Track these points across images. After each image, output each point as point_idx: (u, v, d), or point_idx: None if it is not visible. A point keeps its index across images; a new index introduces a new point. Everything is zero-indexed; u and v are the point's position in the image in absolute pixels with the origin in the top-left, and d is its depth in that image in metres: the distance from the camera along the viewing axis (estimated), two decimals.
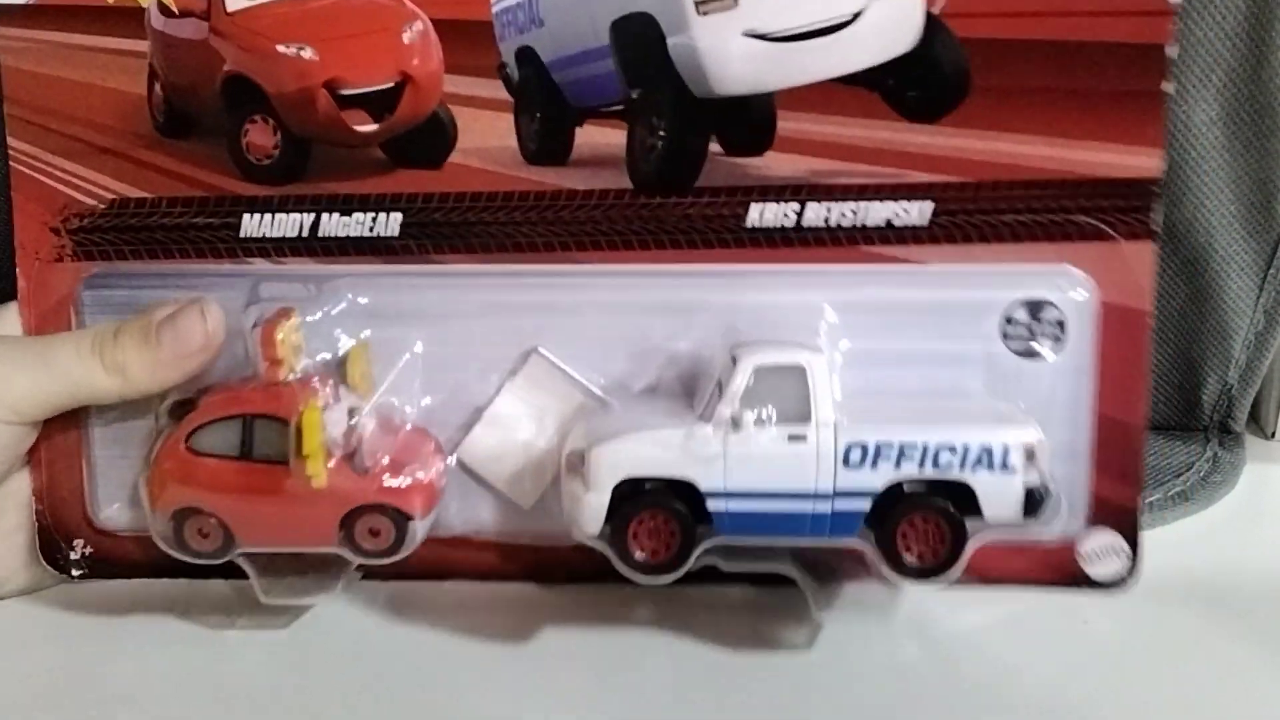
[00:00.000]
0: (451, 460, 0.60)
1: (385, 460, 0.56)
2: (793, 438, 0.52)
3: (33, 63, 0.60)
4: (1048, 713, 0.52)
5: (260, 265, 0.60)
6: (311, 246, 0.60)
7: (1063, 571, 0.59)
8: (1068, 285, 0.57)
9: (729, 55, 0.56)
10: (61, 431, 0.61)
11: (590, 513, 0.53)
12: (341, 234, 0.59)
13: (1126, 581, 0.59)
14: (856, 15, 0.56)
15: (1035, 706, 0.52)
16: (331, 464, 0.55)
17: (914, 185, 0.57)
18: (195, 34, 0.60)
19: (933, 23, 0.56)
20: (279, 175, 0.59)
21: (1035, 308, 0.57)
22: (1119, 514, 0.59)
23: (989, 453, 0.52)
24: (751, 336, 0.57)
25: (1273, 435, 0.75)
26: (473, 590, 0.61)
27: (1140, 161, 0.56)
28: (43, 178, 0.60)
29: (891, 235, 0.58)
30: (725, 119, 0.57)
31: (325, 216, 0.59)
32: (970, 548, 0.53)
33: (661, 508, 0.53)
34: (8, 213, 0.61)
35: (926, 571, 0.53)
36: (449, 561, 0.61)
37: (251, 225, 0.60)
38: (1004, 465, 0.52)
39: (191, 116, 0.60)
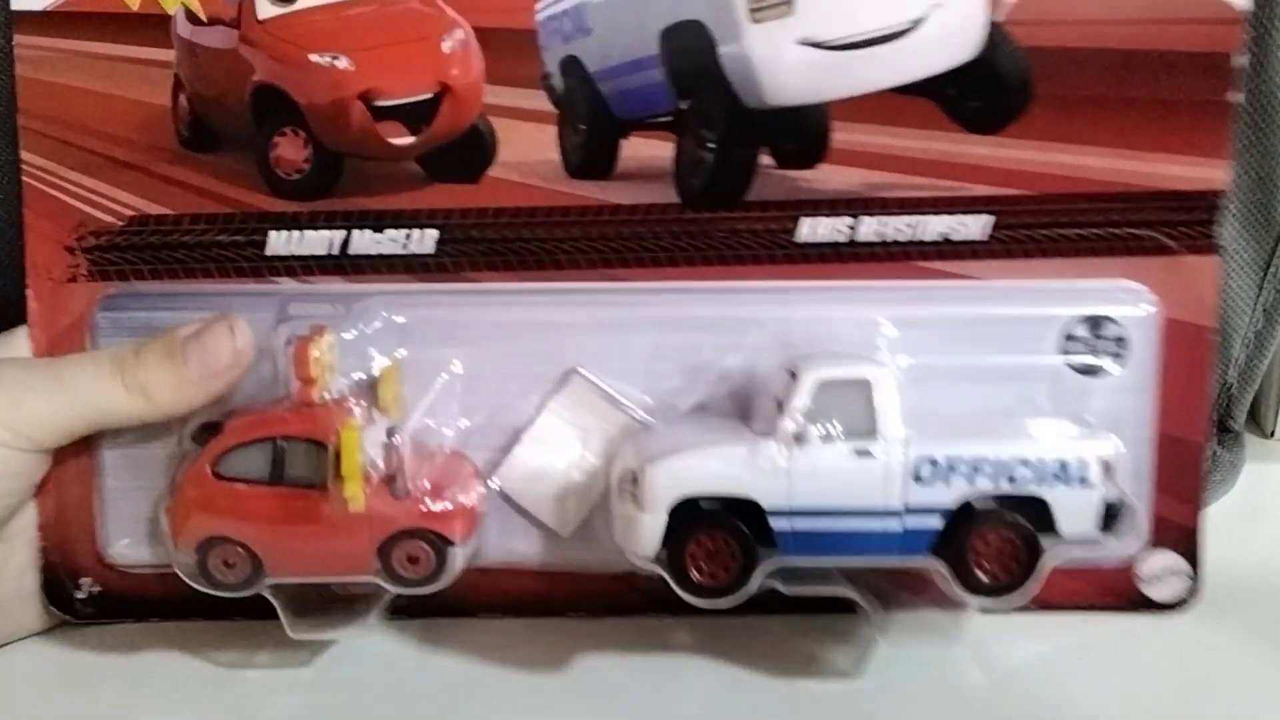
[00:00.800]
0: (492, 484, 0.57)
1: (425, 484, 0.53)
2: (860, 453, 0.51)
3: (49, 72, 0.57)
4: None
5: (287, 284, 0.58)
6: (342, 265, 0.57)
7: (1122, 594, 0.58)
8: (1129, 300, 0.56)
9: (783, 65, 0.55)
10: (70, 460, 0.57)
11: (646, 534, 0.51)
12: (374, 252, 0.57)
13: (1187, 603, 0.58)
14: (917, 23, 0.55)
15: None
16: (369, 487, 0.52)
17: (973, 199, 0.56)
18: (224, 42, 0.58)
19: (995, 30, 0.55)
20: (309, 190, 0.57)
21: (1096, 323, 0.56)
22: (1180, 534, 0.58)
23: (1065, 466, 0.50)
24: (806, 353, 0.55)
25: (1272, 434, 0.74)
26: (506, 622, 0.58)
27: (1205, 173, 0.55)
28: (58, 194, 0.58)
29: (949, 250, 0.56)
30: (777, 130, 0.56)
31: (357, 233, 0.57)
32: (1045, 564, 0.51)
33: (722, 528, 0.51)
34: (19, 230, 0.58)
35: (999, 589, 0.51)
36: (481, 593, 0.58)
37: (279, 243, 0.58)
38: (1081, 479, 0.50)
39: (218, 129, 0.58)
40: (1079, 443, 0.51)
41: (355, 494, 0.51)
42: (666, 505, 0.51)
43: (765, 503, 0.51)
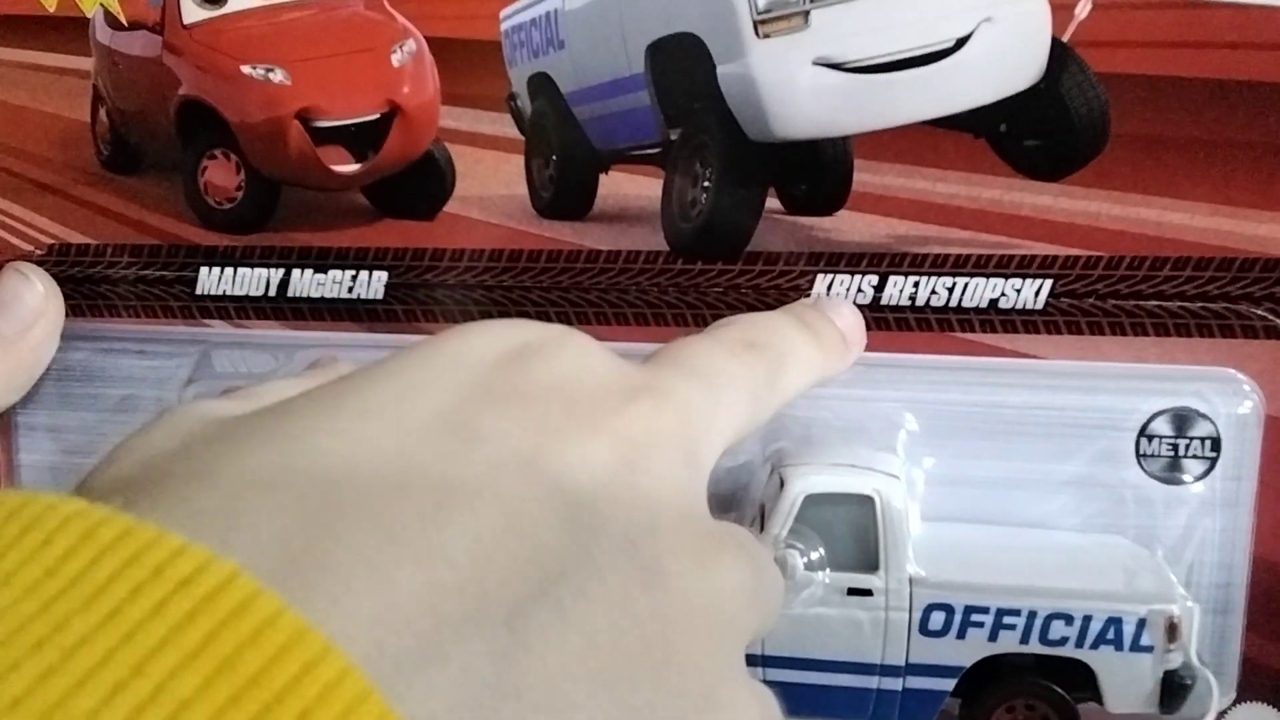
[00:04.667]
0: None
1: None
2: (854, 591, 0.42)
3: None
4: None
5: (218, 329, 0.52)
6: (280, 308, 0.52)
7: None
8: (1226, 393, 0.47)
9: (795, 89, 0.47)
10: None
11: None
12: (315, 294, 0.52)
13: None
14: (961, 42, 0.46)
15: None
16: None
17: (1028, 259, 0.47)
18: (146, 50, 0.52)
19: (1061, 53, 0.46)
20: (242, 222, 0.52)
21: (1182, 421, 0.47)
22: (1276, 684, 0.48)
23: (1117, 625, 0.41)
24: (804, 446, 0.47)
25: None
26: None
27: None
28: None
29: (997, 320, 0.48)
30: (787, 168, 0.49)
31: (296, 273, 0.51)
32: None
33: None
34: None
35: None
36: None
37: (209, 281, 0.52)
38: (1135, 643, 0.41)
39: (142, 149, 0.53)
40: (1137, 594, 0.43)
41: None
42: None
43: None
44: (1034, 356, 0.48)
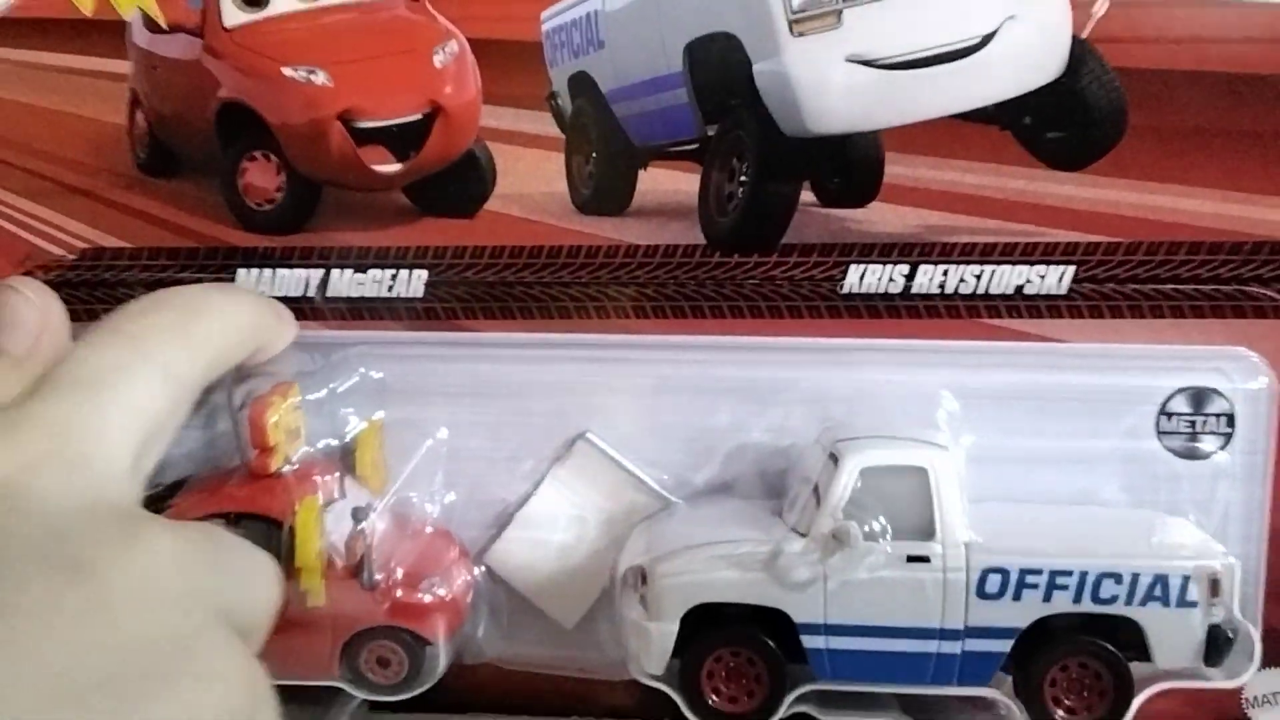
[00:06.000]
0: (479, 570, 0.51)
1: (399, 572, 0.47)
2: (912, 559, 0.43)
3: None
4: None
5: None
6: (318, 308, 0.52)
7: (1224, 718, 0.51)
8: (1240, 371, 0.49)
9: (829, 85, 0.49)
10: None
11: (653, 646, 0.45)
12: (354, 294, 0.52)
13: None
14: (987, 39, 0.48)
15: None
16: (331, 577, 0.46)
17: (1052, 246, 0.49)
18: (186, 53, 0.52)
19: (1081, 49, 0.48)
20: (282, 223, 0.52)
21: (1199, 398, 0.49)
22: None
23: (1163, 582, 0.43)
24: (849, 425, 0.48)
25: None
26: None
27: None
28: (2, 222, 0.53)
29: (1022, 306, 0.50)
30: (821, 162, 0.50)
31: (336, 273, 0.52)
32: (1137, 701, 0.43)
33: (745, 643, 0.44)
34: None
35: None
36: (472, 690, 0.52)
37: (248, 282, 0.52)
38: (1182, 599, 0.42)
39: (180, 152, 0.53)
40: (1181, 552, 0.44)
41: (313, 587, 0.45)
42: (679, 612, 0.44)
43: (796, 615, 0.44)
44: (1059, 340, 0.49)
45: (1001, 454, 0.49)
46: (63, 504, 0.32)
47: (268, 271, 0.52)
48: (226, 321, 0.41)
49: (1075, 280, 0.49)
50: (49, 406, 0.35)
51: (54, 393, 0.36)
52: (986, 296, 0.49)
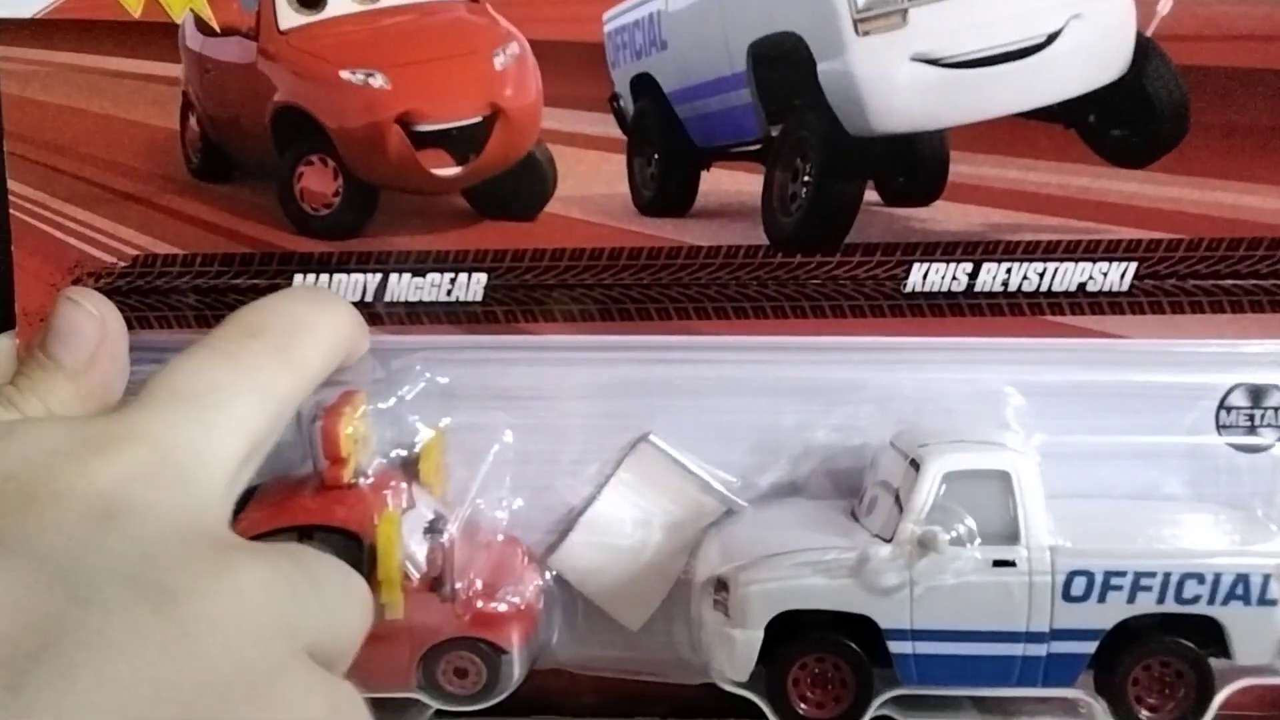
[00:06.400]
0: (549, 575, 0.51)
1: (478, 582, 0.47)
2: (998, 563, 0.44)
3: (40, 90, 0.51)
4: None
5: None
6: (377, 313, 0.51)
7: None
8: None
9: (894, 84, 0.49)
10: None
11: (738, 654, 0.45)
12: (413, 298, 0.51)
13: None
14: (1052, 37, 0.48)
15: None
16: (409, 589, 0.46)
17: (1114, 243, 0.50)
18: (240, 56, 0.52)
19: (1145, 46, 0.48)
20: (339, 228, 0.51)
21: (1259, 393, 0.50)
22: None
23: (1245, 581, 0.44)
24: (917, 425, 0.49)
25: None
26: None
27: None
28: (50, 229, 0.52)
29: (1085, 303, 0.50)
30: (885, 162, 0.50)
31: (394, 277, 0.51)
32: (1219, 698, 0.43)
33: (831, 649, 0.45)
34: (8, 271, 0.52)
35: None
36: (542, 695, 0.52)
37: None
38: (1263, 597, 0.43)
39: (234, 156, 0.53)
40: (1260, 550, 0.45)
41: (393, 600, 0.45)
42: (764, 620, 0.45)
43: (883, 621, 0.44)
44: (1121, 337, 0.50)
45: (1066, 450, 0.49)
46: (159, 525, 0.31)
47: (324, 276, 0.51)
48: (325, 339, 0.41)
49: (1137, 277, 0.49)
50: (151, 418, 0.34)
51: (155, 404, 0.35)
52: (1049, 294, 0.50)
